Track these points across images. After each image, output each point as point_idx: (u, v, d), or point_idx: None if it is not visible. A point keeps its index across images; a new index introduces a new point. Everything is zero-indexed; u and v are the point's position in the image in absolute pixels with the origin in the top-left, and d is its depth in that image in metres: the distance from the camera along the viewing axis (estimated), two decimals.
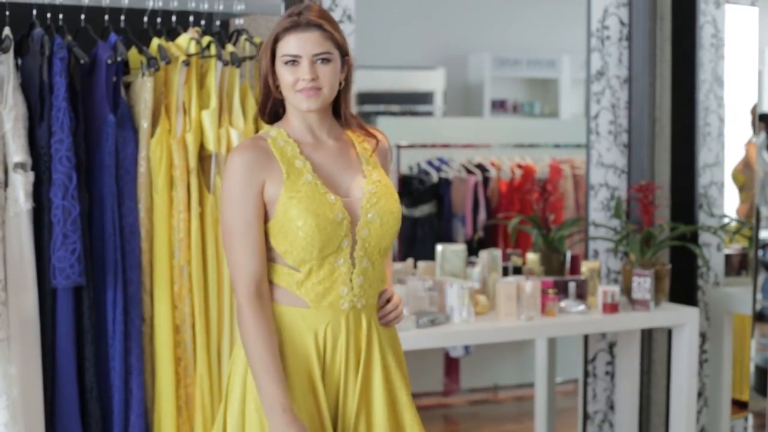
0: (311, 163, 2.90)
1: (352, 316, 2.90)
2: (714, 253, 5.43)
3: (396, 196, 2.96)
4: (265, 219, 2.86)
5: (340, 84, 2.92)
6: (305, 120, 2.93)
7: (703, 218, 5.36)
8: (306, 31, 2.82)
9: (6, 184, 3.65)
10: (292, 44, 2.83)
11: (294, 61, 2.83)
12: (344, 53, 2.90)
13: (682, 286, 5.29)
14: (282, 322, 2.88)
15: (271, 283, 2.89)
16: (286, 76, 2.84)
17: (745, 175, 5.47)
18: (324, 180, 2.89)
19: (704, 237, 5.36)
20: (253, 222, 2.84)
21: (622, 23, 5.32)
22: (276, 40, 2.86)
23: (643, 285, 4.76)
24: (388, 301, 3.01)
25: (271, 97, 2.94)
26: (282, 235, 2.84)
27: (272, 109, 2.98)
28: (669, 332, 5.22)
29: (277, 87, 2.90)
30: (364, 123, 3.04)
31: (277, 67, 2.87)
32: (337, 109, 2.98)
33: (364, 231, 2.87)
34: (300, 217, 2.82)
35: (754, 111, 5.35)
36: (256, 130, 4.06)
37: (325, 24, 2.84)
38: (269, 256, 2.89)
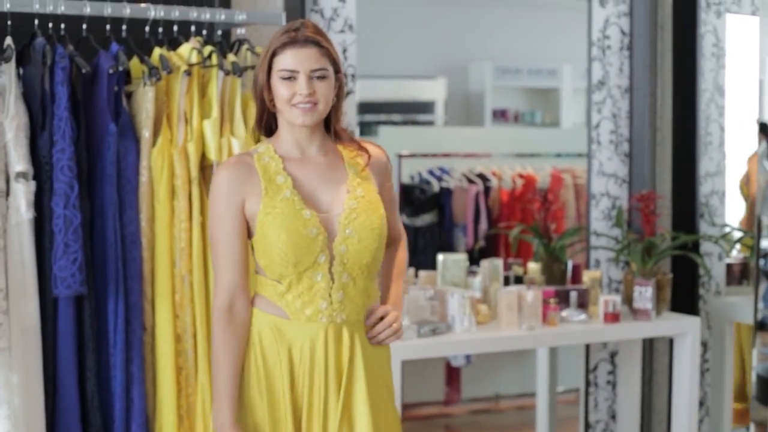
0: (293, 178, 2.93)
1: (331, 331, 2.92)
2: (715, 262, 5.42)
3: (380, 211, 2.95)
4: (250, 234, 2.94)
5: (334, 99, 2.95)
6: (294, 135, 2.95)
7: (704, 227, 5.36)
8: (304, 47, 2.85)
9: (7, 193, 3.65)
10: (289, 59, 2.86)
11: (291, 76, 2.86)
12: (337, 70, 2.93)
13: (684, 295, 5.29)
14: (262, 330, 2.94)
15: (257, 293, 2.99)
16: (282, 90, 2.87)
17: (750, 187, 5.47)
18: (305, 196, 2.92)
19: (705, 246, 5.36)
20: (233, 237, 2.91)
21: (623, 33, 5.33)
22: (273, 55, 2.89)
23: (644, 294, 4.76)
24: (382, 318, 3.00)
25: (265, 111, 2.97)
26: (261, 250, 2.91)
27: (267, 124, 3.01)
28: (670, 341, 5.22)
29: (272, 101, 2.92)
30: (355, 137, 3.06)
31: (273, 81, 2.89)
32: (328, 124, 3.00)
33: (342, 247, 2.89)
34: (275, 232, 2.87)
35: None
36: (257, 140, 4.06)
37: (321, 41, 2.87)
38: (256, 269, 2.98)
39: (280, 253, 2.86)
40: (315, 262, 2.88)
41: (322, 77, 2.87)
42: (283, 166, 2.94)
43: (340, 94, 2.97)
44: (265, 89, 2.92)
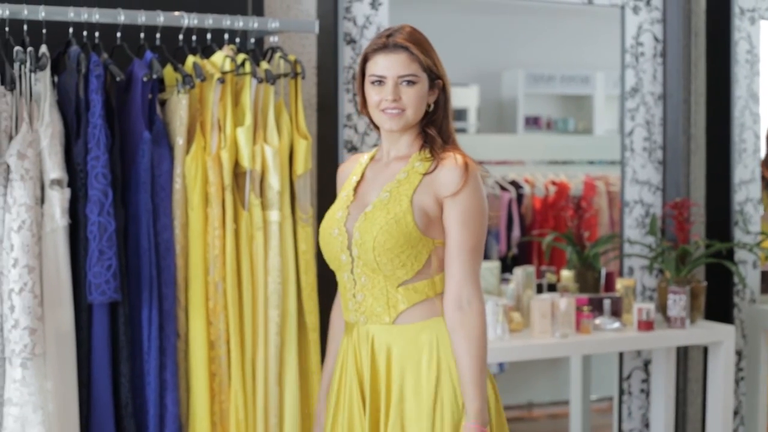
0: (363, 179, 3.02)
1: (355, 332, 2.99)
2: (750, 270, 5.39)
3: (390, 216, 2.87)
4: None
5: (429, 106, 2.94)
6: (385, 138, 3.01)
7: (738, 235, 5.33)
8: (393, 52, 2.87)
9: (43, 201, 3.68)
10: (378, 65, 2.89)
11: (380, 81, 2.89)
12: (435, 76, 2.92)
13: (718, 303, 5.26)
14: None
15: None
16: (372, 95, 2.91)
17: None
18: (358, 197, 2.99)
19: (740, 254, 5.33)
20: None
21: (656, 39, 5.31)
22: (365, 60, 2.93)
23: (678, 302, 4.74)
24: None
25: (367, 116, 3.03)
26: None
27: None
28: (705, 350, 5.19)
29: (365, 105, 2.96)
30: (443, 144, 2.95)
31: (365, 86, 2.94)
32: (423, 129, 2.98)
33: (354, 249, 2.92)
34: (320, 229, 3.05)
35: None
36: (291, 147, 4.07)
37: (411, 47, 2.87)
38: None
39: (321, 250, 3.04)
40: (339, 261, 2.96)
41: (411, 83, 2.88)
42: (365, 167, 3.03)
43: (439, 100, 2.96)
44: (359, 94, 2.97)
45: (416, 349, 2.91)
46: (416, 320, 2.92)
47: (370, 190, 2.99)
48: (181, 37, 4.04)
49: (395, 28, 2.91)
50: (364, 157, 3.09)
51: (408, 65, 2.87)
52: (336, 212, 2.98)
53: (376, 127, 3.04)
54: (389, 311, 2.92)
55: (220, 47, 4.08)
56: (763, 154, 5.44)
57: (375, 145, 4.59)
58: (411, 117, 2.90)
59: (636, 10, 5.28)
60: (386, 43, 2.88)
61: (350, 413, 2.97)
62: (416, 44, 2.88)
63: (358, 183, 3.02)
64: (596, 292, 5.00)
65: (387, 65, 2.87)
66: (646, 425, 5.38)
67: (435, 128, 2.96)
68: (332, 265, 3.01)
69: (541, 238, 5.72)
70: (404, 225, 2.87)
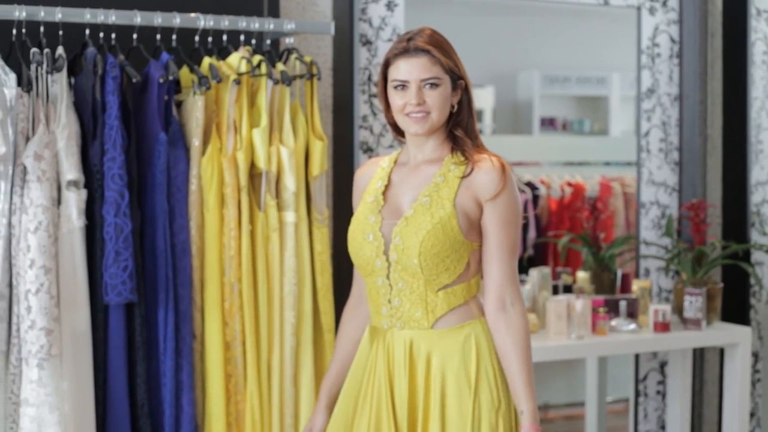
0: (390, 184, 2.98)
1: (390, 337, 2.93)
2: (766, 271, 5.38)
3: (435, 220, 2.85)
4: None
5: (453, 107, 2.93)
6: (410, 142, 2.98)
7: (755, 236, 5.31)
8: (414, 56, 2.86)
9: (59, 202, 3.69)
10: (400, 69, 2.87)
11: (403, 85, 2.87)
12: (457, 77, 2.91)
13: (735, 305, 5.25)
14: (363, 337, 3.06)
15: None
16: (395, 100, 2.89)
17: None
18: (388, 201, 2.95)
19: (756, 255, 5.31)
20: None
21: (672, 40, 5.30)
22: (387, 65, 2.91)
23: (694, 304, 4.73)
24: None
25: (390, 121, 3.01)
26: (349, 251, 3.03)
27: (399, 129, 3.01)
28: (721, 351, 5.18)
29: (388, 110, 2.95)
30: (475, 146, 2.94)
31: (388, 91, 2.92)
32: (450, 131, 2.96)
33: (393, 254, 2.88)
34: (348, 234, 2.99)
35: None
36: (306, 148, 4.08)
37: (433, 50, 2.86)
38: None
39: (350, 255, 2.98)
40: (374, 266, 2.92)
41: (434, 86, 2.86)
42: (390, 171, 3.00)
43: (462, 102, 2.95)
44: (382, 99, 2.96)
45: (456, 353, 2.89)
46: (455, 324, 2.91)
47: (400, 194, 2.96)
48: (197, 38, 4.04)
49: (415, 32, 2.90)
50: (384, 162, 3.06)
51: (430, 68, 2.86)
52: (367, 217, 2.94)
53: (397, 132, 3.03)
54: (428, 316, 2.90)
55: (236, 49, 4.09)
56: None
57: (390, 146, 4.59)
58: (436, 119, 2.89)
59: (652, 11, 5.27)
60: (407, 47, 2.87)
61: (378, 421, 2.93)
62: (437, 46, 2.87)
63: (386, 187, 3.00)
64: (612, 294, 4.99)
65: (409, 69, 2.86)
66: (662, 427, 5.37)
67: (462, 129, 2.95)
68: (363, 271, 2.96)
69: (557, 239, 5.71)
70: (449, 229, 2.86)
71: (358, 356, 3.04)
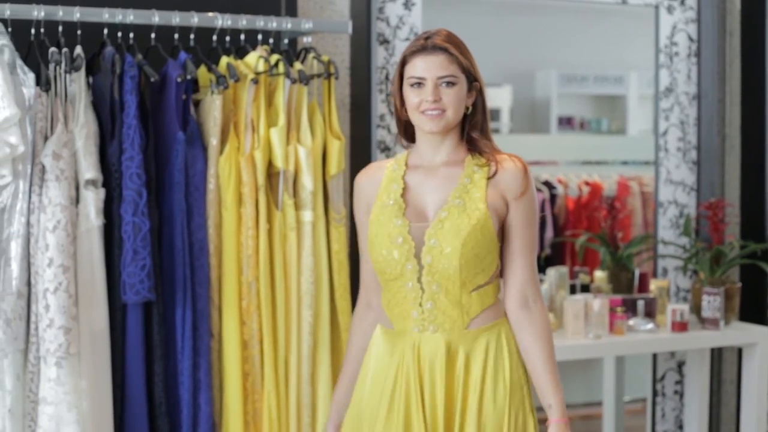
0: (407, 187, 2.94)
1: (424, 341, 2.89)
2: None
3: (474, 222, 2.85)
4: None
5: (468, 108, 2.92)
6: (425, 143, 2.96)
7: None
8: (432, 54, 2.86)
9: (78, 201, 3.70)
10: (418, 67, 2.87)
11: (419, 83, 2.86)
12: (472, 78, 2.91)
13: (753, 304, 5.23)
14: (375, 345, 2.99)
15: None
16: (411, 97, 2.88)
17: None
18: (411, 204, 2.92)
19: None
20: (364, 238, 3.03)
21: (690, 39, 5.28)
22: (404, 63, 2.90)
23: (712, 303, 4.71)
24: None
25: (402, 120, 2.98)
26: (371, 257, 2.97)
27: (408, 131, 3.01)
28: (739, 351, 5.16)
29: (404, 108, 2.93)
30: (495, 147, 2.96)
31: (404, 89, 2.91)
32: (467, 133, 2.96)
33: (428, 257, 2.85)
34: (372, 239, 2.92)
35: None
36: (324, 148, 4.08)
37: (450, 48, 2.86)
38: None
39: (375, 260, 2.92)
40: (403, 270, 2.88)
41: (450, 84, 2.86)
42: (404, 174, 2.96)
43: (477, 103, 2.94)
44: (397, 97, 2.94)
45: (491, 352, 2.90)
46: (488, 323, 2.91)
47: (422, 197, 2.93)
48: (215, 37, 4.05)
49: (433, 31, 2.90)
50: (390, 164, 3.02)
51: (447, 66, 2.86)
52: (392, 220, 2.90)
53: (405, 134, 3.02)
54: (463, 317, 2.88)
55: (254, 48, 4.10)
56: None
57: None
58: (451, 118, 2.87)
59: (670, 9, 5.25)
60: (425, 45, 2.87)
61: (407, 426, 2.89)
62: (454, 45, 2.87)
63: (403, 190, 2.96)
64: (630, 293, 4.98)
65: (426, 66, 2.86)
66: (680, 427, 5.36)
67: (477, 131, 2.95)
68: (389, 275, 2.91)
69: (575, 238, 5.70)
70: (487, 230, 2.86)
71: (375, 364, 2.98)
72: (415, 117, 2.90)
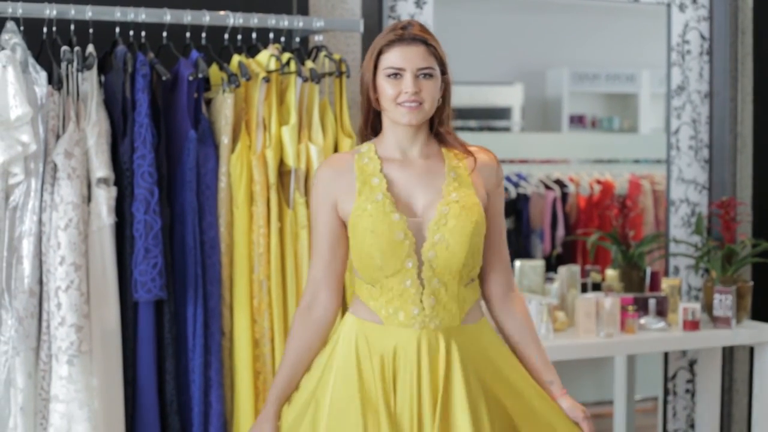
0: (389, 181, 2.87)
1: (425, 338, 2.83)
2: None
3: (475, 218, 2.83)
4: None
5: (438, 101, 2.89)
6: (397, 136, 2.90)
7: None
8: (411, 45, 2.82)
9: (89, 199, 3.70)
10: (396, 57, 2.82)
11: (397, 74, 2.82)
12: (444, 71, 2.89)
13: (765, 303, 5.22)
14: (359, 338, 2.88)
15: (355, 296, 2.95)
16: (387, 89, 2.83)
17: None
18: (398, 199, 2.86)
19: None
20: (322, 234, 2.92)
21: (702, 37, 5.28)
22: (380, 53, 2.85)
23: (724, 302, 4.70)
24: None
25: (371, 112, 2.93)
26: (354, 252, 2.88)
27: (373, 124, 2.96)
28: (751, 350, 5.15)
29: (377, 100, 2.88)
30: (463, 141, 2.96)
31: (378, 80, 2.85)
32: (433, 126, 2.94)
33: (430, 252, 2.81)
34: (364, 235, 2.83)
35: None
36: (335, 146, 4.08)
37: (429, 39, 2.84)
38: (354, 270, 2.94)
39: (368, 256, 2.82)
40: (402, 266, 2.82)
41: (428, 76, 2.82)
42: (381, 168, 2.89)
43: (446, 96, 2.92)
44: (371, 88, 2.88)
45: (488, 346, 2.91)
46: (478, 318, 2.92)
47: (407, 191, 2.88)
48: (226, 36, 4.06)
49: (405, 22, 2.86)
50: (355, 157, 2.93)
51: (426, 57, 2.82)
52: (390, 216, 2.82)
53: (370, 127, 2.97)
54: (460, 313, 2.87)
55: (266, 46, 4.10)
56: None
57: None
58: (428, 110, 2.84)
59: (682, 7, 5.25)
60: (403, 35, 2.82)
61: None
62: (431, 37, 2.85)
63: (387, 185, 2.89)
64: (641, 292, 4.97)
65: (406, 57, 2.81)
66: (691, 426, 5.35)
67: (445, 123, 2.93)
68: (388, 271, 2.83)
69: (586, 237, 5.70)
70: (482, 223, 2.87)
71: (344, 364, 2.88)
72: (391, 108, 2.84)
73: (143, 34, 3.89)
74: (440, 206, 2.84)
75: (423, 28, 2.86)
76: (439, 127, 2.93)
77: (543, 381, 2.95)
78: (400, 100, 2.82)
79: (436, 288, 2.84)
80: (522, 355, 2.97)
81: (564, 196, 6.49)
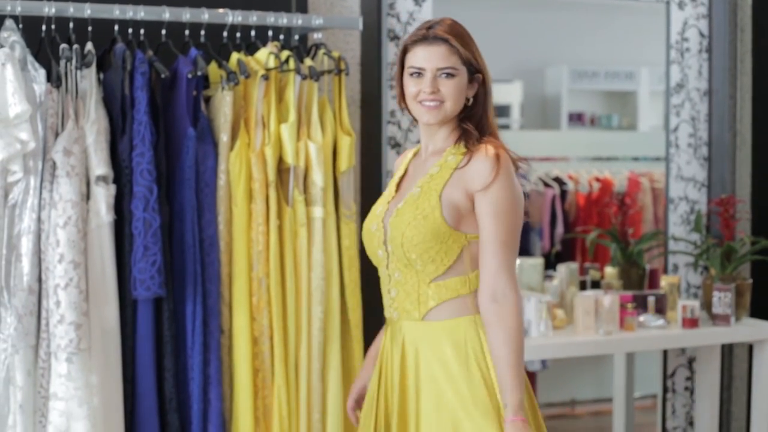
0: (406, 174, 3.01)
1: (390, 328, 2.98)
2: None
3: (425, 211, 2.82)
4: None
5: (468, 100, 2.91)
6: (421, 132, 2.99)
7: None
8: (432, 44, 2.85)
9: (88, 197, 3.70)
10: (418, 56, 2.87)
11: (418, 73, 2.86)
12: (475, 70, 2.89)
13: (764, 300, 5.22)
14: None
15: None
16: (410, 87, 2.88)
17: None
18: (399, 192, 2.98)
19: None
20: None
21: (701, 35, 5.27)
22: (405, 51, 2.91)
23: (723, 300, 4.71)
24: None
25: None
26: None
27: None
28: (750, 347, 5.15)
29: (402, 97, 2.94)
30: (478, 139, 2.89)
31: (404, 78, 2.91)
32: (460, 123, 2.93)
33: (389, 245, 2.90)
34: (363, 225, 3.03)
35: None
36: (334, 143, 4.08)
37: (452, 39, 2.85)
38: None
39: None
40: (378, 257, 2.95)
41: (450, 75, 2.85)
42: (409, 163, 3.04)
43: (479, 95, 2.93)
44: (398, 85, 2.95)
45: (443, 347, 2.86)
46: (445, 317, 2.87)
47: (408, 186, 2.97)
48: (225, 34, 4.06)
49: (436, 21, 2.90)
50: (409, 153, 3.09)
51: (447, 57, 2.85)
52: (377, 208, 2.99)
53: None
54: (419, 308, 2.89)
55: (265, 44, 4.10)
56: None
57: (418, 142, 4.59)
58: (449, 110, 2.87)
59: (681, 5, 5.24)
60: (426, 34, 2.86)
61: (373, 408, 2.98)
62: (456, 37, 2.86)
63: (402, 179, 3.01)
64: (640, 289, 4.97)
65: (426, 57, 2.85)
66: (690, 423, 5.35)
67: (473, 123, 2.92)
68: (373, 261, 3.01)
69: (585, 234, 5.70)
70: (432, 220, 2.82)
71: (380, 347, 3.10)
72: (413, 107, 2.91)
73: (142, 31, 3.89)
74: (403, 200, 2.92)
75: (450, 27, 2.88)
76: (463, 123, 2.93)
77: (501, 400, 2.81)
78: (420, 98, 2.87)
79: (397, 280, 2.91)
80: (495, 367, 2.82)
81: (563, 194, 6.49)
